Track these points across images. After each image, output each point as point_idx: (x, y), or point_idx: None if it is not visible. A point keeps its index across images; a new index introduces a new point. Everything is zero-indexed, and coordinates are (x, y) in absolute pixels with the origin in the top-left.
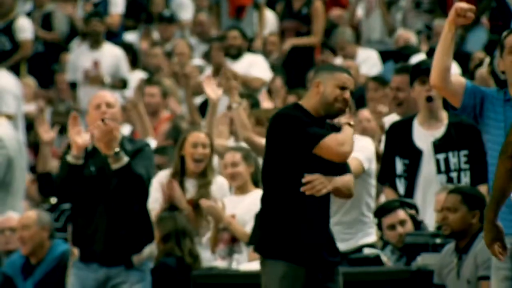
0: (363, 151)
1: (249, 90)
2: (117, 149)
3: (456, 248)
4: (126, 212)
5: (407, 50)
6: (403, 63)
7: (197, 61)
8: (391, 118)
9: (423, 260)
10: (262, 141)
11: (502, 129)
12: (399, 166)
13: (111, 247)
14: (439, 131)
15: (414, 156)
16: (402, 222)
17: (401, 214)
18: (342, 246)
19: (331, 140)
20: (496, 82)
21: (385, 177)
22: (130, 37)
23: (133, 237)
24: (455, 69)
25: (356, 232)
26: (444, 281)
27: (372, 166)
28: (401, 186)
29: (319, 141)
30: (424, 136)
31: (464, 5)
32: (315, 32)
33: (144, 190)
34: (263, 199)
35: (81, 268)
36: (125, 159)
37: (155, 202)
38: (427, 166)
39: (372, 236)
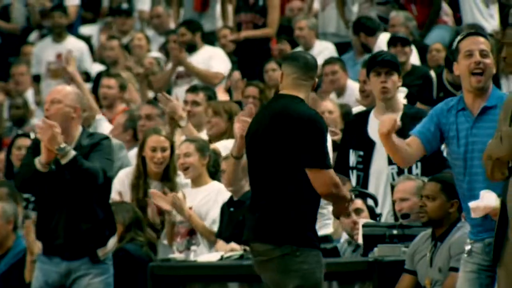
0: None
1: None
2: (62, 145)
3: (432, 235)
4: (85, 206)
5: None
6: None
7: (155, 53)
8: (358, 110)
9: (380, 251)
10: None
11: (455, 139)
12: (352, 158)
13: (72, 241)
14: None
15: (367, 148)
16: (357, 210)
17: (358, 202)
18: None
19: (332, 175)
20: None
21: (339, 169)
22: (88, 30)
23: (95, 231)
24: (415, 59)
25: None
26: (415, 267)
27: (330, 158)
28: (353, 178)
29: (324, 167)
30: (378, 128)
31: (386, 122)
32: (270, 23)
33: (102, 184)
34: (276, 191)
35: (44, 262)
36: (72, 153)
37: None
38: (379, 157)
39: (329, 227)
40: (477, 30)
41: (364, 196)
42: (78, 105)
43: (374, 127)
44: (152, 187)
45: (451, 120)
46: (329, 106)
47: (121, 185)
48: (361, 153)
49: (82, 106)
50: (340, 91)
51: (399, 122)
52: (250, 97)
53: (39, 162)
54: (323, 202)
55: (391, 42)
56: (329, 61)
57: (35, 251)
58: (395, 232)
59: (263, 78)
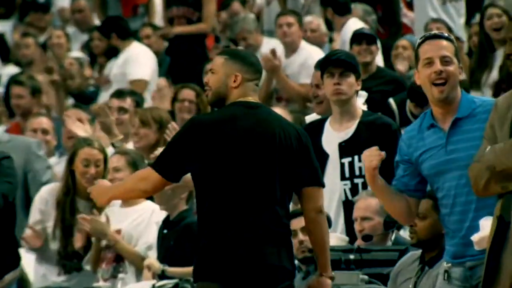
0: None
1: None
2: None
3: (421, 258)
4: None
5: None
6: None
7: (76, 53)
8: (312, 118)
9: (335, 279)
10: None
11: (429, 160)
12: None
13: None
14: (349, 131)
15: (321, 160)
16: (304, 229)
17: None
18: None
19: (321, 196)
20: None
21: None
22: (0, 27)
23: None
24: (379, 60)
25: None
26: None
27: None
28: None
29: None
30: (332, 138)
31: (370, 160)
32: (205, 17)
33: (3, 210)
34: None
35: None
36: None
37: (38, 224)
38: (332, 171)
39: None
40: (438, 30)
41: None
42: None
43: (329, 138)
44: (80, 207)
45: (421, 144)
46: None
47: (43, 204)
48: None
49: None
50: (293, 48)
51: (382, 153)
52: (185, 101)
53: None
54: None
55: (354, 39)
56: (284, 13)
57: None
58: (352, 257)
59: (200, 80)
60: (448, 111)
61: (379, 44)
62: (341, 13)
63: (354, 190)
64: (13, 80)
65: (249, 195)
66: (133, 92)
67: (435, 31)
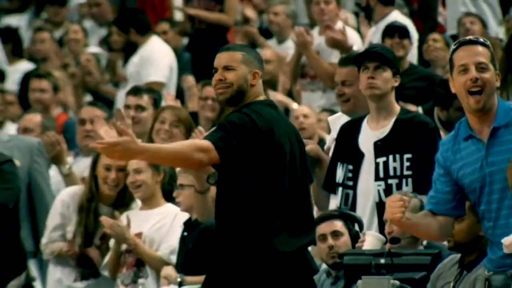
0: None
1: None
2: None
3: (460, 261)
4: None
5: None
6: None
7: (94, 48)
8: (336, 117)
9: (365, 284)
10: None
11: (469, 175)
12: (339, 172)
13: None
14: (385, 130)
15: (356, 160)
16: (335, 233)
17: (337, 224)
18: None
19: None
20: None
21: (328, 185)
22: (15, 21)
23: None
24: (414, 56)
25: None
26: None
27: None
28: (338, 196)
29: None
30: (368, 137)
31: (393, 212)
32: (227, 10)
33: (9, 217)
34: None
35: None
36: None
37: (58, 228)
38: (367, 172)
39: None
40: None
41: (346, 217)
42: None
43: (366, 137)
44: (102, 213)
45: (458, 157)
46: (304, 110)
47: (65, 208)
48: (351, 167)
49: None
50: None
51: (406, 198)
52: (208, 99)
53: None
54: None
55: (387, 32)
56: None
57: None
58: (382, 261)
59: None
60: (485, 120)
61: (414, 38)
62: (385, 3)
63: (388, 191)
64: (35, 74)
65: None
66: (150, 89)
67: (470, 36)
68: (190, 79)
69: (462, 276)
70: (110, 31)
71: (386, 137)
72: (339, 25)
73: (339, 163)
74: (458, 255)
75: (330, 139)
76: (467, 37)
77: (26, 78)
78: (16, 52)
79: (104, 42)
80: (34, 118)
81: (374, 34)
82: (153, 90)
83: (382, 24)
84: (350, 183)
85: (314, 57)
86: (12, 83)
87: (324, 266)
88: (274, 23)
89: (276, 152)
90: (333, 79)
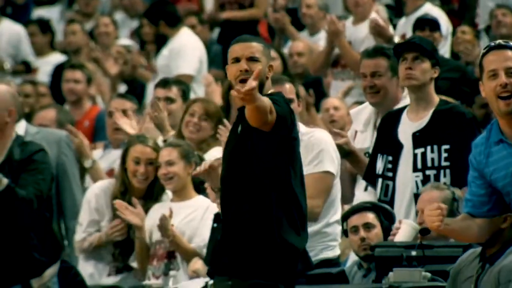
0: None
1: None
2: None
3: (481, 255)
4: (17, 232)
5: None
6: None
7: (125, 40)
8: (359, 110)
9: (396, 276)
10: None
11: (501, 180)
12: (379, 164)
13: (2, 269)
14: (423, 121)
15: (395, 151)
16: (367, 225)
17: (369, 216)
18: None
19: None
20: None
21: (369, 177)
22: (46, 12)
23: (28, 259)
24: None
25: (314, 244)
26: None
27: (335, 165)
28: (378, 188)
29: None
30: (407, 128)
31: (432, 221)
32: (258, 2)
33: (37, 208)
34: None
35: None
36: (3, 183)
37: (94, 223)
38: (405, 163)
39: (334, 249)
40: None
41: (378, 210)
42: (13, 107)
43: (405, 128)
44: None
45: (491, 160)
46: (335, 102)
47: (98, 203)
48: (390, 158)
49: (18, 107)
50: (363, 16)
51: (444, 206)
52: None
53: None
54: (327, 220)
55: (417, 25)
56: None
57: None
58: (414, 253)
59: None
60: None
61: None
62: None
63: (425, 182)
64: (69, 65)
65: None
66: (179, 81)
67: (499, 41)
68: (209, 76)
69: (484, 269)
70: (142, 23)
71: (424, 128)
72: (373, 15)
73: (379, 155)
74: (478, 250)
75: (351, 132)
76: (497, 41)
77: (59, 70)
78: (49, 43)
79: (136, 34)
80: (49, 114)
81: (404, 26)
82: (182, 82)
83: (414, 16)
84: (390, 174)
85: (345, 46)
86: (43, 75)
87: (355, 258)
88: (306, 15)
89: (296, 145)
90: None
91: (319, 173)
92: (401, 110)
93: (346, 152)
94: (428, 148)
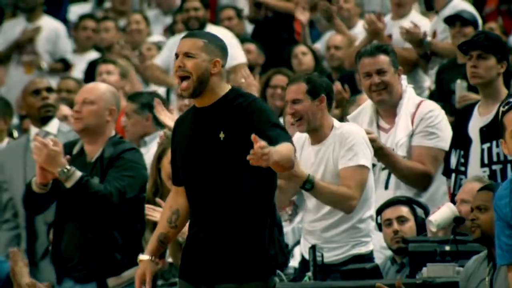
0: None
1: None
2: (66, 167)
3: (488, 256)
4: (101, 229)
5: None
6: None
7: (157, 37)
8: (356, 114)
9: (430, 271)
10: None
11: None
12: (453, 158)
13: (82, 261)
14: (490, 116)
15: (465, 146)
16: (400, 219)
17: (403, 210)
18: (330, 255)
19: None
20: None
21: (447, 171)
22: (81, 10)
23: (108, 256)
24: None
25: (347, 240)
26: None
27: (369, 159)
28: (451, 182)
29: None
30: (477, 123)
31: None
32: None
33: (123, 206)
34: None
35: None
36: (76, 176)
37: None
38: (474, 158)
39: (367, 245)
40: None
41: (412, 203)
42: (114, 106)
43: (475, 123)
44: None
45: None
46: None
47: None
48: (462, 152)
49: (118, 106)
50: (403, 12)
51: None
52: (278, 87)
53: (35, 182)
54: (360, 215)
55: (447, 22)
56: None
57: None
58: (447, 248)
59: (288, 64)
60: None
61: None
62: None
63: (492, 177)
64: (102, 60)
65: None
66: None
67: None
68: (246, 69)
69: (496, 269)
70: (175, 19)
71: (490, 122)
72: (412, 14)
73: (453, 149)
74: (482, 254)
75: None
76: None
77: (92, 66)
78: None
79: (169, 31)
80: (64, 110)
81: (437, 23)
82: None
83: (445, 12)
84: (462, 168)
85: (387, 42)
86: (79, 72)
87: (389, 253)
88: (343, 9)
89: None
90: (407, 64)
91: (354, 166)
92: (473, 105)
93: (374, 149)
94: (494, 143)
